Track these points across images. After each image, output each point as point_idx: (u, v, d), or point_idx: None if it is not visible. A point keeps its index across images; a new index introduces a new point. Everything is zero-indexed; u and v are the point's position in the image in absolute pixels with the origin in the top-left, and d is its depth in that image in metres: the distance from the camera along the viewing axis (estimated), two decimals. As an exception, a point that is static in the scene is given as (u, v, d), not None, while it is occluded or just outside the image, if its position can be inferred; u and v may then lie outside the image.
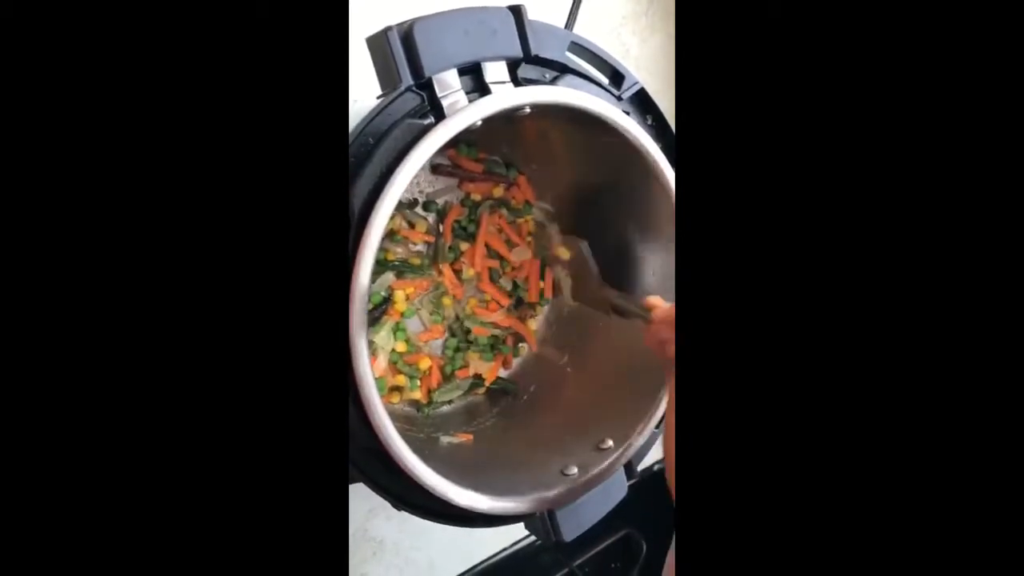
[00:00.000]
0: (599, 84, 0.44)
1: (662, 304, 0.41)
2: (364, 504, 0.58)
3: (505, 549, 0.68)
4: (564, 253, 0.55)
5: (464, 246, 0.54)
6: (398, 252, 0.52)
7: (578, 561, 0.68)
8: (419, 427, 0.51)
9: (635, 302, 0.44)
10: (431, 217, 0.53)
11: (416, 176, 0.38)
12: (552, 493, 0.44)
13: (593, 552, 0.69)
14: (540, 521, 0.44)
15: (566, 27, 0.61)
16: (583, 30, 0.63)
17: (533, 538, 0.69)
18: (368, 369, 0.35)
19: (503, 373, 0.57)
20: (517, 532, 0.68)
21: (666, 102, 0.48)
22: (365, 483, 0.39)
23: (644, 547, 0.71)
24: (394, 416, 0.38)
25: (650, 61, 0.69)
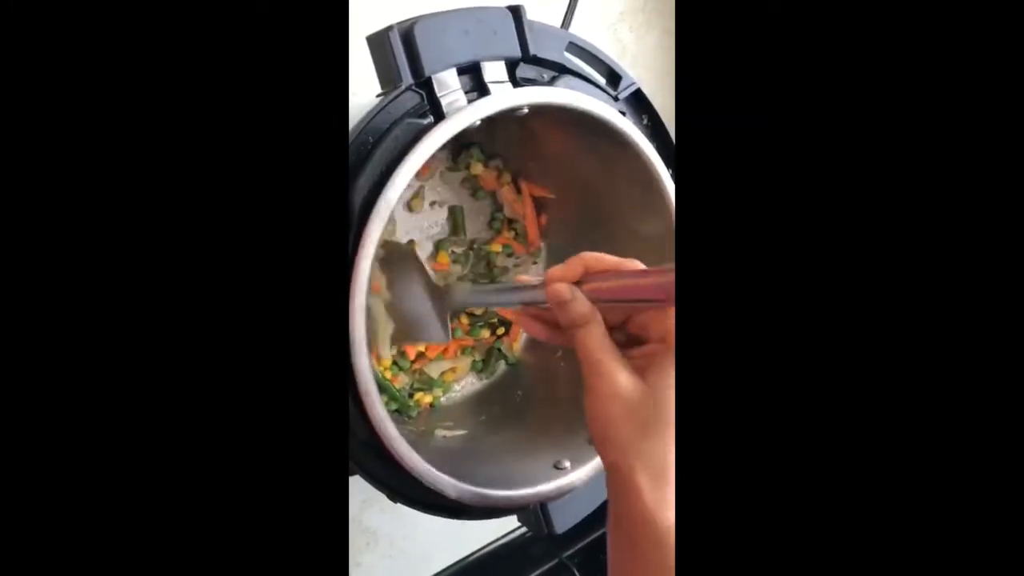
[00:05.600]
0: (596, 84, 0.45)
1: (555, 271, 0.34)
2: (358, 496, 0.59)
3: (496, 540, 0.69)
4: None
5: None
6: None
7: (567, 552, 0.69)
8: (413, 422, 0.51)
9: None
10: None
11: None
12: (545, 487, 0.44)
13: (583, 544, 0.69)
14: (532, 514, 0.45)
15: (563, 24, 0.62)
16: (580, 26, 0.63)
17: (524, 529, 0.70)
18: (367, 363, 0.36)
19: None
20: (508, 524, 0.69)
21: (662, 98, 0.48)
22: (363, 476, 0.39)
23: (632, 539, 0.72)
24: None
25: (647, 57, 0.69)
